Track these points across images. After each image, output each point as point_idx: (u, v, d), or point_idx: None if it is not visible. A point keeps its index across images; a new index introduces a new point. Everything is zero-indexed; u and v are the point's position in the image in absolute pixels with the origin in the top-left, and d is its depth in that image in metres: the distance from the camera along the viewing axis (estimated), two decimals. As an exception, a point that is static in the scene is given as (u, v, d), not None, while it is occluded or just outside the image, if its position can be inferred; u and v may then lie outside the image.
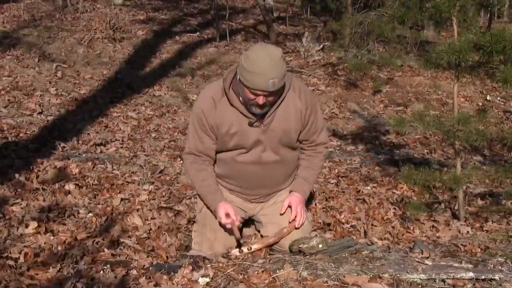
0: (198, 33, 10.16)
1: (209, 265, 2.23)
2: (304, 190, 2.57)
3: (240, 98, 2.40)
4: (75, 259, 2.40)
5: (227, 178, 2.58)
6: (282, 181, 2.61)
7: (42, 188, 3.41)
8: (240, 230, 2.71)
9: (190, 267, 2.19)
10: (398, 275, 2.12)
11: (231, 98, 2.42)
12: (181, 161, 4.40)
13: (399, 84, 8.01)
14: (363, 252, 2.44)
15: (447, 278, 2.12)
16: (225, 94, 2.42)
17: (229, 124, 2.43)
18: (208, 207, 2.54)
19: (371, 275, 2.10)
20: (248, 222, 2.81)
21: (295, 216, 2.50)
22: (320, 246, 2.38)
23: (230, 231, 2.51)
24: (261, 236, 2.62)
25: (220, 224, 2.51)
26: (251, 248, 2.47)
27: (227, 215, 2.43)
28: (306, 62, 8.72)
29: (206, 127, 2.46)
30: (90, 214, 3.10)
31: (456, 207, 3.49)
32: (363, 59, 7.89)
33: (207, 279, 2.10)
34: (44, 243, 2.61)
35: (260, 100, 2.31)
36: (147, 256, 2.57)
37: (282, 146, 2.50)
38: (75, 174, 3.75)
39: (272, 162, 2.50)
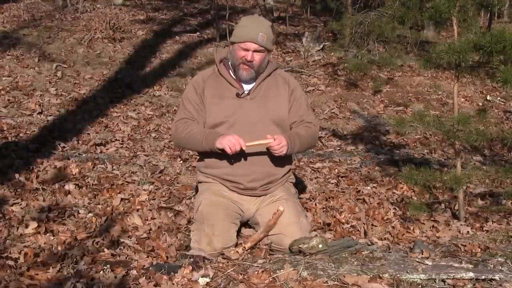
0: (198, 33, 10.15)
1: (209, 265, 2.24)
2: (293, 137, 2.57)
3: (230, 65, 2.60)
4: (75, 259, 2.40)
5: (220, 162, 2.60)
6: (275, 163, 2.63)
7: (42, 188, 3.41)
8: (239, 231, 2.72)
9: (190, 267, 2.19)
10: (398, 275, 2.12)
11: (221, 70, 2.61)
12: (185, 158, 4.41)
13: (399, 84, 8.01)
14: (363, 252, 2.44)
15: (447, 278, 2.12)
16: (215, 67, 2.62)
17: (217, 94, 2.58)
18: (206, 149, 2.54)
19: (371, 275, 2.10)
20: (246, 224, 2.83)
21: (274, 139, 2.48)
22: (320, 246, 2.38)
23: (226, 224, 2.52)
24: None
25: (217, 219, 2.54)
26: (245, 248, 2.48)
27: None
28: (306, 62, 8.72)
29: (196, 99, 2.60)
30: (90, 214, 3.10)
31: (456, 207, 3.49)
32: (363, 59, 7.89)
33: (207, 279, 2.10)
34: (44, 243, 2.61)
35: (249, 56, 2.49)
36: (147, 256, 2.57)
37: (272, 122, 2.58)
38: (75, 174, 3.75)
39: (262, 137, 2.52)
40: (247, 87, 2.62)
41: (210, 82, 2.62)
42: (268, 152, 2.57)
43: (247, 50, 2.50)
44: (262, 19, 2.62)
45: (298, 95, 2.68)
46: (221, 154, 2.54)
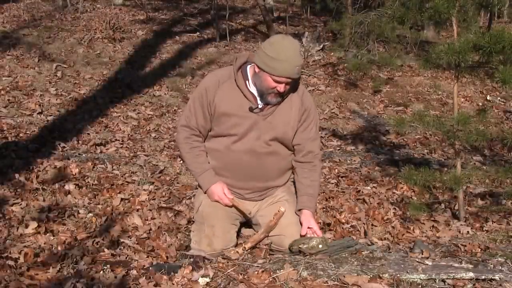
0: (198, 33, 10.16)
1: (209, 265, 2.23)
2: (312, 207, 2.59)
3: (252, 84, 2.45)
4: (75, 259, 2.40)
5: (221, 170, 2.58)
6: (275, 176, 2.61)
7: (42, 188, 3.41)
8: (239, 231, 2.72)
9: (190, 267, 2.19)
10: (398, 275, 2.12)
11: (238, 79, 2.46)
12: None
13: (399, 84, 8.01)
14: (363, 252, 2.44)
15: (447, 278, 2.12)
16: (233, 74, 2.47)
17: (229, 105, 2.46)
18: (199, 186, 2.59)
19: (371, 275, 2.10)
20: (246, 224, 2.82)
21: (308, 228, 2.53)
22: (320, 246, 2.38)
23: (226, 225, 2.54)
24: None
25: (217, 219, 2.53)
26: (245, 248, 2.48)
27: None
28: (306, 62, 8.72)
29: (204, 104, 2.49)
30: (90, 214, 3.10)
31: (456, 207, 3.49)
32: (363, 59, 7.89)
33: (207, 279, 2.10)
34: (44, 243, 2.61)
35: (282, 88, 2.36)
36: (147, 256, 2.57)
37: (276, 140, 2.52)
38: (75, 174, 3.75)
39: (266, 154, 2.51)
40: (262, 102, 2.49)
41: (225, 88, 2.47)
42: (269, 166, 2.55)
43: (280, 82, 2.35)
44: (295, 46, 2.37)
45: (310, 116, 2.55)
46: (223, 161, 2.55)
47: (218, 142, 2.54)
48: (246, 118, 2.45)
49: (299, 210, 2.57)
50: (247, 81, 2.47)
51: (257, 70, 2.40)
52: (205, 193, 2.57)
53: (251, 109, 2.45)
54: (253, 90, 2.46)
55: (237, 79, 2.46)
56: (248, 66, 2.48)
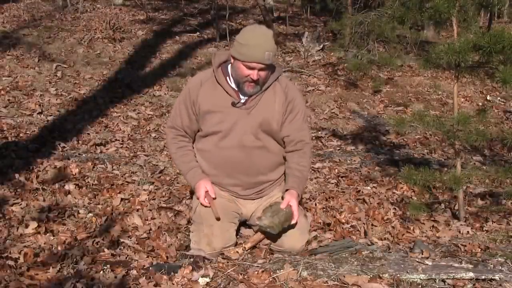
0: (198, 33, 10.16)
1: (209, 265, 2.24)
2: (299, 187, 2.58)
3: (232, 78, 2.49)
4: (75, 259, 2.40)
5: (213, 169, 2.60)
6: (267, 171, 2.62)
7: (42, 188, 3.41)
8: (238, 230, 2.73)
9: (190, 267, 2.20)
10: (398, 275, 2.12)
11: (218, 76, 2.51)
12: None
13: (399, 84, 8.01)
14: (363, 252, 2.44)
15: (447, 278, 2.12)
16: (213, 72, 2.52)
17: (212, 103, 2.51)
18: (188, 183, 2.65)
19: (371, 275, 2.10)
20: (245, 224, 2.83)
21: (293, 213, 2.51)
22: (268, 229, 2.42)
23: (225, 224, 2.55)
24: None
25: (215, 219, 2.54)
26: (245, 248, 2.48)
27: (206, 193, 2.54)
28: (306, 62, 8.72)
29: (188, 104, 2.55)
30: (90, 214, 3.10)
31: (456, 207, 3.49)
32: (363, 59, 7.89)
33: (207, 279, 2.10)
34: (44, 243, 2.61)
35: (255, 75, 2.40)
36: (147, 256, 2.57)
37: (263, 132, 2.54)
38: (75, 174, 3.75)
39: (255, 148, 2.53)
40: (244, 96, 2.54)
41: (206, 87, 2.54)
42: (259, 161, 2.57)
43: (252, 69, 2.40)
44: (265, 32, 2.44)
45: (295, 107, 2.58)
46: (213, 160, 2.58)
47: (207, 142, 2.58)
48: (229, 114, 2.50)
49: (286, 190, 2.57)
50: (227, 77, 2.53)
51: (232, 61, 2.47)
52: (193, 190, 2.63)
53: (233, 104, 2.50)
54: (234, 85, 2.52)
55: (217, 76, 2.52)
56: (229, 64, 2.54)
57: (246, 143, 2.51)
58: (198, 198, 2.58)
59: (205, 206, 2.56)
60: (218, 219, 2.54)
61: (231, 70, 2.51)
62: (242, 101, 2.52)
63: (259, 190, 2.64)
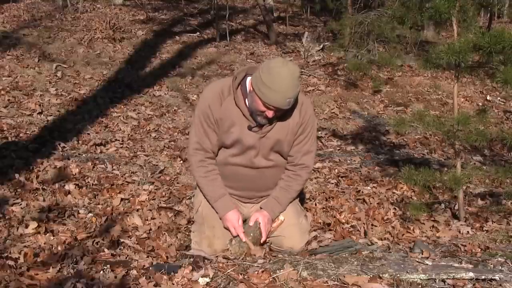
0: (198, 33, 10.16)
1: (209, 265, 2.23)
2: (273, 210, 2.56)
3: (247, 103, 2.40)
4: (75, 259, 2.40)
5: (223, 180, 2.58)
6: (276, 184, 2.61)
7: (42, 188, 3.41)
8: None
9: (190, 267, 2.19)
10: (398, 275, 2.12)
11: (237, 98, 2.41)
12: (185, 158, 4.40)
13: (399, 84, 8.01)
14: (363, 252, 2.44)
15: (447, 278, 2.12)
16: (233, 92, 2.42)
17: (231, 123, 2.43)
18: (216, 211, 2.56)
19: (371, 275, 2.10)
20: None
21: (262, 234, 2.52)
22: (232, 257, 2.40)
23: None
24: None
25: (217, 220, 2.54)
26: (265, 241, 2.51)
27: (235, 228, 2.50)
28: (306, 62, 8.72)
29: (211, 122, 2.45)
30: (90, 214, 3.10)
31: (456, 207, 3.49)
32: (363, 59, 7.89)
33: (207, 279, 2.10)
34: (44, 243, 2.61)
35: (270, 114, 2.32)
36: (147, 256, 2.57)
37: (273, 152, 2.51)
38: (75, 174, 3.75)
39: (264, 167, 2.52)
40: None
41: (226, 106, 2.43)
42: (269, 179, 2.56)
43: (269, 109, 2.31)
44: (292, 75, 2.26)
45: (307, 128, 2.51)
46: (221, 171, 2.55)
47: (219, 154, 2.54)
48: (246, 137, 2.43)
49: (260, 208, 2.56)
50: (246, 99, 2.41)
51: (250, 88, 2.35)
52: (220, 219, 2.54)
53: (249, 128, 2.42)
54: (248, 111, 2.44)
55: (236, 98, 2.41)
56: (248, 79, 2.41)
57: (257, 163, 2.49)
58: (229, 228, 2.52)
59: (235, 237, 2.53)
60: (250, 252, 2.49)
61: (248, 96, 2.39)
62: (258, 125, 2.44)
63: (262, 198, 2.65)
